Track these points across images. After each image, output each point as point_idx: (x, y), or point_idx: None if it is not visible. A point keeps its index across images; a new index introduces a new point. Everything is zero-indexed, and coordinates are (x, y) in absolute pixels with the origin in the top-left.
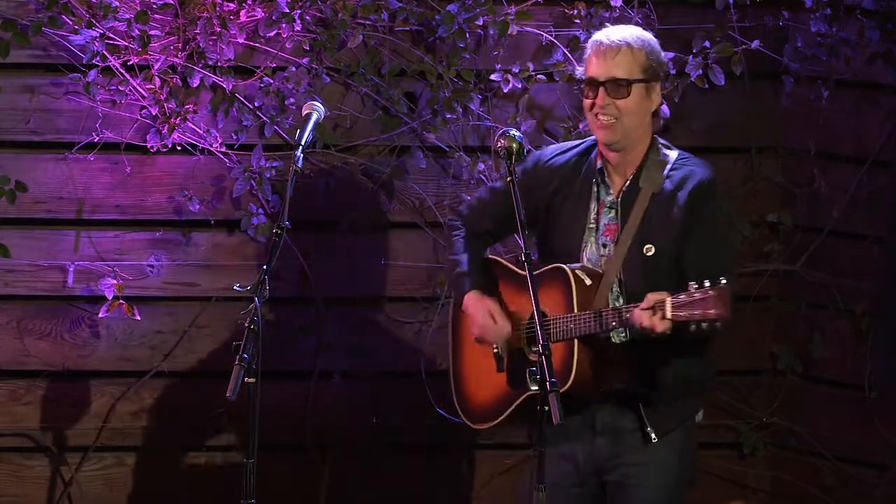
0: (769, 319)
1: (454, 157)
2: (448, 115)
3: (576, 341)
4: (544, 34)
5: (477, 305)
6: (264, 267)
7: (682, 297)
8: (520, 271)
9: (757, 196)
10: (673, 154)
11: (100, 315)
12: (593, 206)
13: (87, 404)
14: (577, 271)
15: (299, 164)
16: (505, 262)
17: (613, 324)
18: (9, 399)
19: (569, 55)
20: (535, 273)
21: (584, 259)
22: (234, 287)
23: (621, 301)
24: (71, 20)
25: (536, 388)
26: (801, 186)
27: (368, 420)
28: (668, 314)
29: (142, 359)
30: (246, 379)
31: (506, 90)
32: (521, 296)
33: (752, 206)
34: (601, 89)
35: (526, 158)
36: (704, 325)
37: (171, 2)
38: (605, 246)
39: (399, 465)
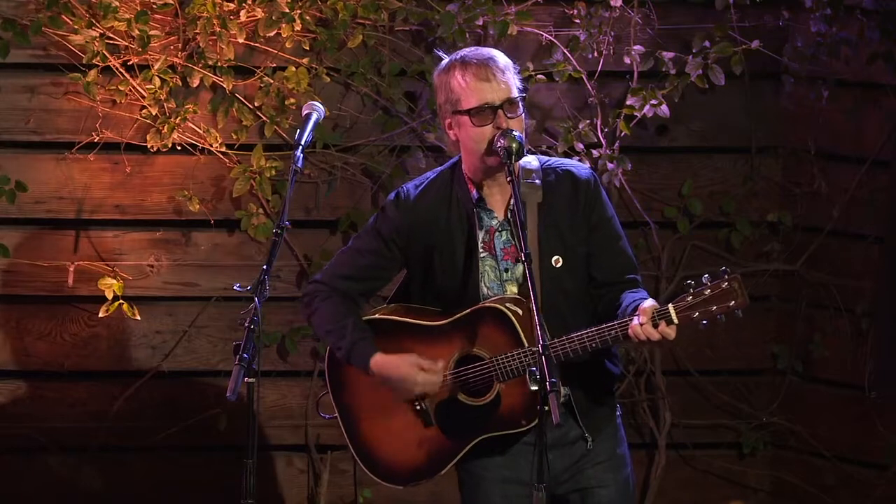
0: (769, 319)
1: (454, 156)
2: None
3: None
4: (544, 34)
5: (393, 363)
6: (264, 267)
7: (689, 298)
8: (425, 322)
9: (757, 196)
10: (534, 161)
11: (100, 315)
12: (481, 234)
13: (87, 404)
14: (507, 305)
15: (299, 164)
16: (400, 318)
17: (594, 345)
18: (9, 399)
19: (569, 55)
20: (447, 321)
21: (485, 288)
22: (234, 287)
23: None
24: (71, 20)
25: (536, 388)
26: (801, 186)
27: None
28: (675, 319)
29: (142, 359)
30: (246, 379)
31: None
32: (436, 346)
33: (752, 206)
34: (499, 112)
35: (386, 206)
36: (722, 317)
37: (171, 2)
38: (507, 270)
39: None
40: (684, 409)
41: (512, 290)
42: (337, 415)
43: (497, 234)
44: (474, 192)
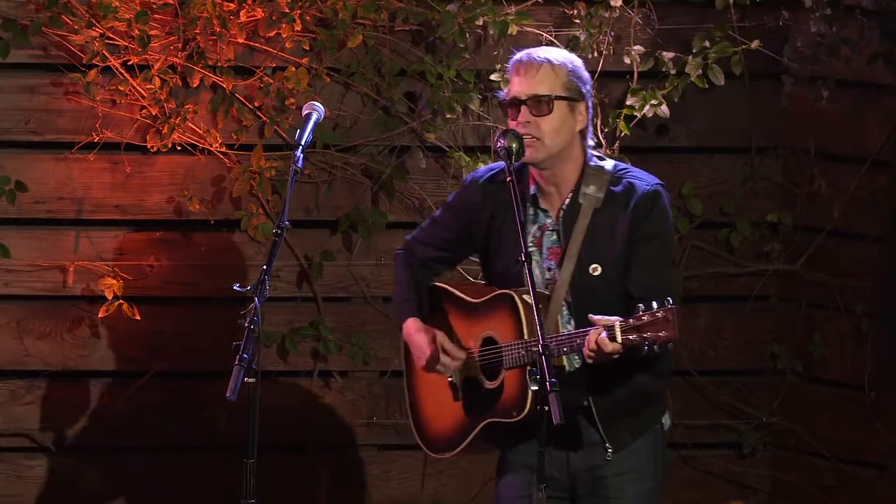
0: (769, 319)
1: (454, 157)
2: (448, 115)
3: (528, 370)
4: (544, 34)
5: (418, 335)
6: (264, 267)
7: (631, 320)
8: (468, 298)
9: (757, 196)
10: (608, 164)
11: (100, 315)
12: (534, 230)
13: (87, 404)
14: (524, 296)
15: (299, 164)
16: (452, 290)
17: (565, 349)
18: (9, 399)
19: None
20: (480, 300)
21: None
22: (234, 287)
23: (572, 324)
24: (71, 20)
25: (536, 387)
26: (801, 186)
27: (368, 420)
28: (619, 338)
29: (142, 359)
30: (246, 379)
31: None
32: (471, 322)
33: (752, 206)
34: (523, 107)
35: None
36: (656, 346)
37: (171, 2)
38: (549, 270)
39: (398, 465)
40: (684, 409)
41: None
42: (404, 378)
43: (547, 232)
44: (533, 187)
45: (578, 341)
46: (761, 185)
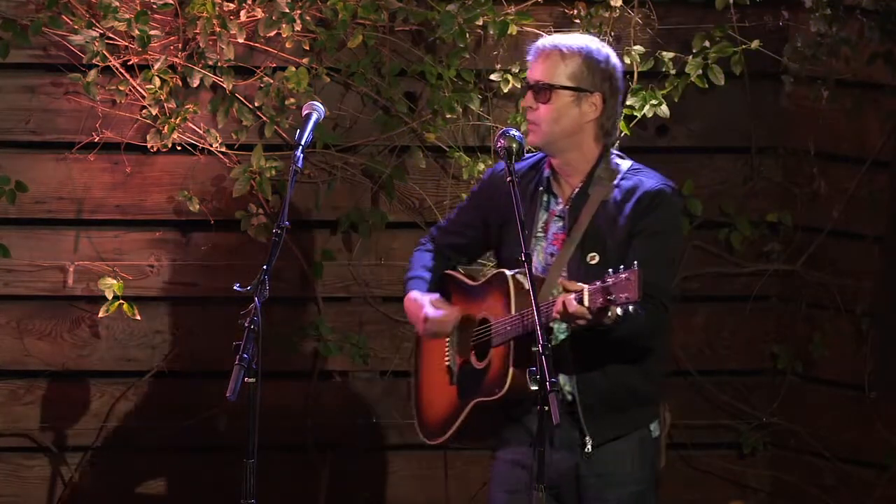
0: (769, 319)
1: (454, 157)
2: (448, 115)
3: (511, 345)
4: (544, 34)
5: (417, 301)
6: (264, 267)
7: (598, 283)
8: (465, 279)
9: (757, 196)
10: (625, 164)
11: (100, 315)
12: (543, 215)
13: (87, 404)
14: (517, 276)
15: (299, 164)
16: (458, 276)
17: (541, 320)
18: (9, 399)
19: None
20: (478, 283)
21: (534, 268)
22: (234, 287)
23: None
24: (71, 20)
25: (536, 387)
26: (801, 186)
27: (368, 420)
28: (586, 301)
29: (142, 359)
30: (246, 379)
31: (506, 90)
32: (471, 305)
33: (752, 206)
34: (530, 91)
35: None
36: (619, 310)
37: (171, 2)
38: (552, 255)
39: (398, 464)
40: (684, 409)
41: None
42: (412, 368)
43: (555, 219)
44: (547, 171)
45: (547, 309)
46: (761, 185)
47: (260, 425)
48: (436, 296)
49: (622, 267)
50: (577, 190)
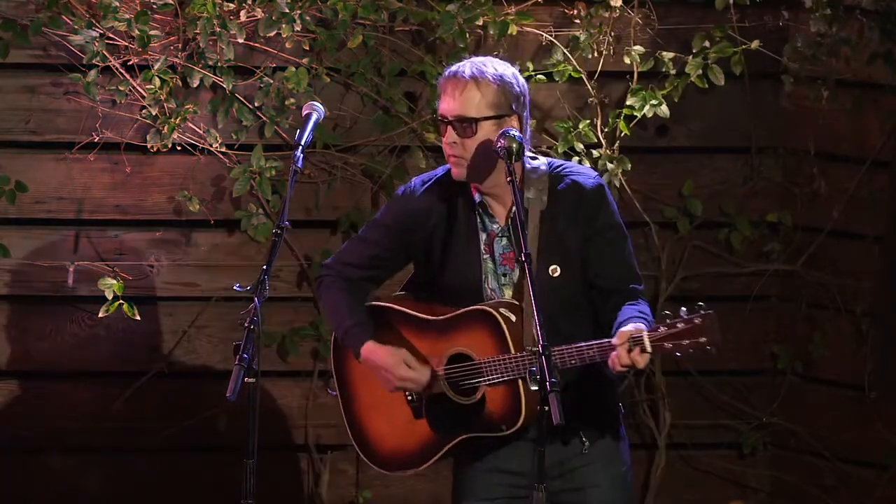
0: (769, 319)
1: None
2: None
3: (520, 383)
4: (544, 34)
5: (384, 355)
6: (264, 267)
7: (662, 329)
8: (424, 315)
9: (757, 196)
10: (541, 163)
11: (100, 315)
12: (483, 236)
13: (86, 404)
14: (500, 310)
15: (299, 164)
16: (400, 308)
17: (574, 361)
18: (9, 399)
19: (569, 55)
20: (444, 318)
21: (488, 290)
22: (234, 287)
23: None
24: (71, 20)
25: (536, 388)
26: (801, 186)
27: None
28: (648, 348)
29: (142, 359)
30: (246, 379)
31: None
32: (427, 339)
33: (752, 206)
34: (449, 127)
35: (395, 194)
36: (693, 352)
37: (171, 2)
38: (505, 275)
39: None
40: (684, 409)
41: (508, 293)
42: (339, 397)
43: (497, 238)
44: (476, 195)
45: (590, 353)
46: (761, 185)
47: (260, 425)
48: (406, 353)
49: (683, 310)
50: (513, 207)
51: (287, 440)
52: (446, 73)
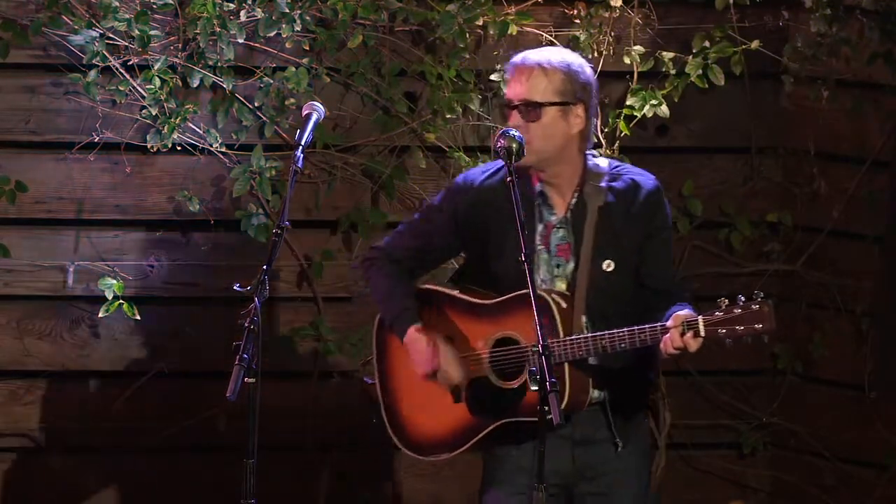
0: None
1: (454, 157)
2: (448, 115)
3: (566, 368)
4: (544, 34)
5: (427, 344)
6: (264, 267)
7: (718, 313)
8: (466, 297)
9: (757, 196)
10: (603, 163)
11: (100, 315)
12: (539, 227)
13: (87, 404)
14: (552, 295)
15: (299, 164)
16: (446, 291)
17: (622, 346)
18: (9, 399)
19: None
20: (493, 302)
21: (539, 280)
22: (234, 287)
23: (584, 319)
24: (71, 20)
25: (536, 388)
26: (801, 186)
27: (368, 420)
28: (702, 332)
29: (142, 359)
30: (246, 379)
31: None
32: (474, 322)
33: (752, 206)
34: (514, 111)
35: (453, 183)
36: (748, 339)
37: (171, 2)
38: (558, 266)
39: (398, 464)
40: (684, 409)
41: (561, 286)
42: (377, 380)
43: (554, 230)
44: (537, 185)
45: (642, 336)
46: (761, 185)
47: (260, 425)
48: (451, 347)
49: (742, 298)
50: (573, 200)
51: (287, 440)
52: (515, 58)
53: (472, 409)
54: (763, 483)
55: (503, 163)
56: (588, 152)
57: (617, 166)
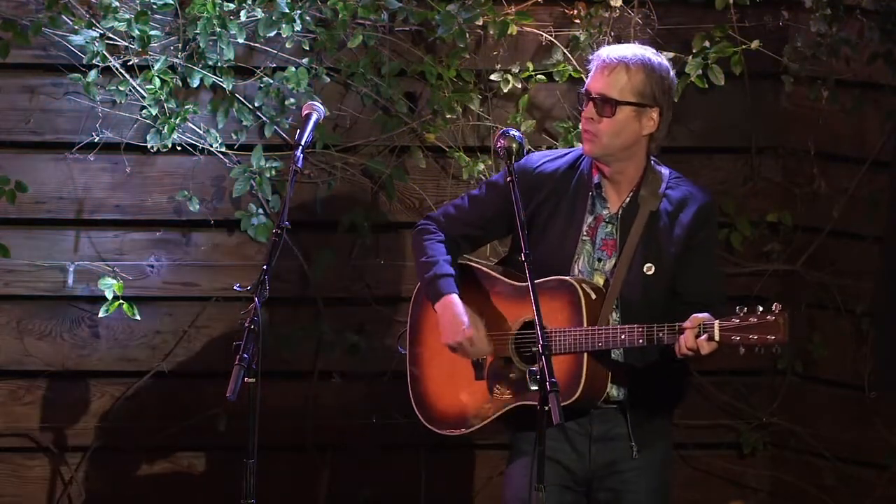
0: None
1: (454, 157)
2: (448, 115)
3: (585, 357)
4: (544, 34)
5: (458, 314)
6: (264, 267)
7: (735, 320)
8: (503, 278)
9: (757, 196)
10: (665, 172)
11: (100, 315)
12: (589, 218)
13: (87, 404)
14: (583, 285)
15: (299, 164)
16: (485, 269)
17: (641, 341)
18: (9, 399)
19: (569, 55)
20: (527, 284)
21: (576, 270)
22: (234, 287)
23: (617, 317)
24: (71, 20)
25: (537, 388)
26: (801, 186)
27: (368, 420)
28: (717, 336)
29: (142, 359)
30: (246, 379)
31: (506, 90)
32: (507, 302)
33: (752, 206)
34: (590, 103)
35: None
36: (759, 349)
37: (171, 2)
38: (600, 260)
39: (398, 464)
40: (684, 409)
41: (598, 280)
42: (407, 351)
43: (603, 224)
44: (596, 176)
45: (659, 334)
46: (761, 185)
47: (260, 425)
48: (480, 321)
49: (760, 308)
50: (627, 199)
51: (287, 440)
52: (601, 50)
53: (491, 388)
54: (763, 483)
55: (565, 150)
56: (653, 159)
57: (677, 177)
